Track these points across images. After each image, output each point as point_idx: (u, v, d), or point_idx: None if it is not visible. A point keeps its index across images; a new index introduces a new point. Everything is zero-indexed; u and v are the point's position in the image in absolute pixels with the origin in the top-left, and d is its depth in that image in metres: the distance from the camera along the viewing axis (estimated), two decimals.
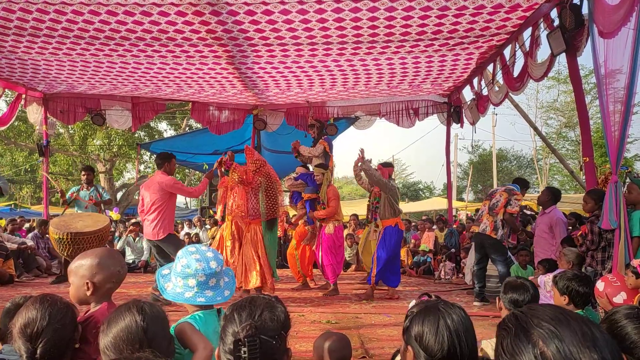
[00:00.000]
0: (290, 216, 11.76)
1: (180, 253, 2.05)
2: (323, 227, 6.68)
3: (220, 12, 5.28)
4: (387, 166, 6.49)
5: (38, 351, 1.67)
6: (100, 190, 7.63)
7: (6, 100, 13.33)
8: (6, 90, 9.00)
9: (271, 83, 8.14)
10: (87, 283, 2.02)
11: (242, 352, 1.29)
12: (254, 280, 5.89)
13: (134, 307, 1.64)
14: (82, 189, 7.47)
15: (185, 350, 1.89)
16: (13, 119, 9.44)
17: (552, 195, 5.89)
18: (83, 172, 7.71)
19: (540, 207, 6.08)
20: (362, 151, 6.14)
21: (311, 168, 7.07)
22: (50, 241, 6.17)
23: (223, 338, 1.39)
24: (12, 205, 25.60)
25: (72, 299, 2.02)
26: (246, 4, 5.07)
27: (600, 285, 3.49)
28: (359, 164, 6.15)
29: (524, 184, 6.23)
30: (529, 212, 9.52)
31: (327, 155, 7.04)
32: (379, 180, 6.10)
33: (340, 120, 10.07)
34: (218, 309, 2.10)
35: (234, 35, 5.93)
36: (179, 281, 2.00)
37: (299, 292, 6.85)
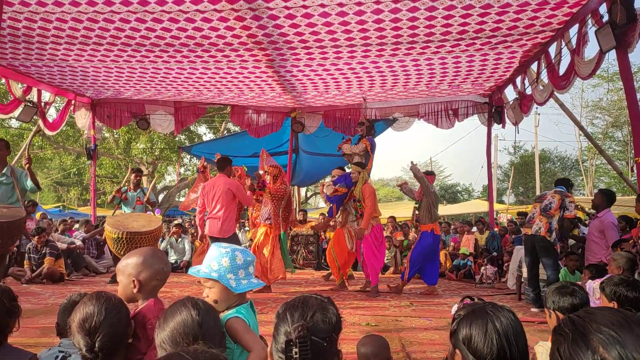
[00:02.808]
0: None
1: (228, 252, 2.06)
2: (359, 227, 6.71)
3: (261, 17, 5.36)
4: (429, 174, 7.00)
5: (96, 345, 1.74)
6: (146, 191, 7.78)
7: (56, 107, 13.95)
8: (56, 96, 9.42)
9: (309, 85, 8.20)
10: (134, 281, 2.10)
11: (293, 352, 1.30)
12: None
13: (189, 303, 1.70)
14: (130, 191, 7.60)
15: (235, 345, 1.92)
16: (63, 124, 9.87)
17: (605, 198, 5.72)
18: (135, 175, 7.79)
19: (594, 211, 5.87)
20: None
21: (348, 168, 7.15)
22: (106, 240, 6.34)
23: (275, 337, 1.41)
24: (61, 207, 26.77)
25: (120, 297, 2.10)
26: (286, 7, 5.14)
27: None
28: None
29: (568, 184, 6.01)
30: (576, 215, 9.14)
31: (367, 154, 7.08)
32: (424, 182, 6.62)
33: (378, 122, 10.02)
34: (250, 303, 2.13)
35: (274, 39, 6.01)
36: (242, 273, 2.05)
37: (337, 293, 6.85)
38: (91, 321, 1.77)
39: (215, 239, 6.14)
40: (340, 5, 5.10)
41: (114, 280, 7.40)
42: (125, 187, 7.66)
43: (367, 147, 7.03)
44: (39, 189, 5.85)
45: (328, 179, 7.08)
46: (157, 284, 2.17)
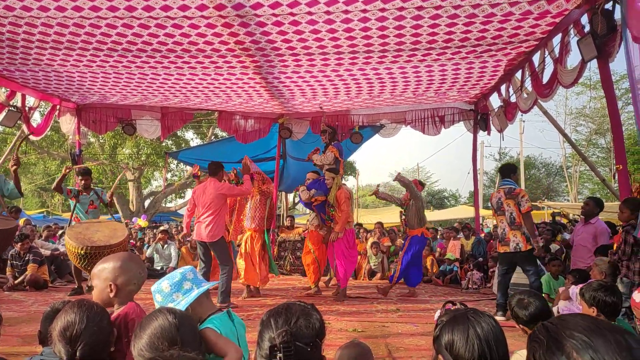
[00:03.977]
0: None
1: (155, 287, 2.11)
2: (333, 230, 6.90)
3: (248, 24, 5.38)
4: (421, 184, 7.56)
5: (77, 354, 1.73)
6: (100, 193, 7.06)
7: (40, 111, 13.80)
8: (41, 101, 9.32)
9: (297, 92, 8.22)
10: (111, 285, 2.13)
11: (277, 357, 1.32)
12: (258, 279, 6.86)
13: (164, 309, 1.73)
14: (82, 194, 6.89)
15: (210, 356, 1.93)
16: (47, 130, 9.76)
17: (598, 207, 5.91)
18: (81, 178, 7.00)
19: (581, 217, 5.98)
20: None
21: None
22: (67, 253, 5.70)
23: (259, 343, 1.42)
24: (45, 213, 26.42)
25: (96, 301, 2.10)
26: (274, 15, 5.16)
27: (636, 296, 3.38)
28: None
29: (513, 170, 6.06)
30: (560, 221, 9.29)
31: (337, 161, 7.28)
32: (411, 188, 6.98)
33: (365, 129, 10.09)
34: (227, 311, 2.15)
35: (262, 45, 6.03)
36: (178, 296, 2.06)
37: (322, 299, 6.86)
38: (72, 330, 1.76)
39: (203, 244, 6.14)
40: (328, 13, 5.14)
41: (75, 293, 6.90)
42: (75, 189, 7.01)
43: (336, 154, 7.21)
44: (20, 195, 5.33)
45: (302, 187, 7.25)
46: (133, 288, 2.21)
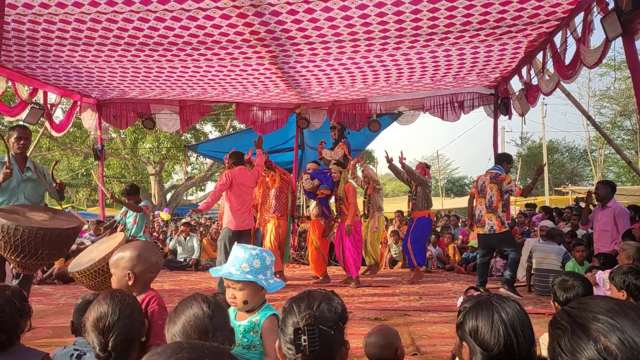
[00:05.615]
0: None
1: (258, 254, 2.11)
2: (342, 222, 7.07)
3: (263, 13, 5.36)
4: (428, 167, 7.81)
5: (109, 344, 1.77)
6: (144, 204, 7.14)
7: (62, 108, 14.03)
8: (62, 98, 9.46)
9: (313, 81, 8.18)
10: (129, 274, 2.20)
11: (302, 340, 1.32)
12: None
13: (199, 297, 1.74)
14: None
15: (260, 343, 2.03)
16: (69, 126, 9.93)
17: (610, 189, 5.89)
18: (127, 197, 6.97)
19: (598, 203, 5.94)
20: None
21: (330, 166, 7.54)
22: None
23: (283, 329, 1.43)
24: (70, 208, 27.00)
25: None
26: (288, 3, 5.12)
27: None
28: (402, 163, 7.19)
29: (507, 159, 6.41)
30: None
31: (346, 158, 7.38)
32: (414, 175, 7.24)
33: (383, 116, 9.99)
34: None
35: (277, 35, 6.00)
36: (268, 273, 2.12)
37: (343, 288, 6.88)
38: (105, 321, 1.80)
39: (238, 233, 6.16)
40: None
41: None
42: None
43: (346, 152, 7.34)
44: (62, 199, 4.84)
45: (306, 176, 7.46)
46: (151, 276, 2.29)
